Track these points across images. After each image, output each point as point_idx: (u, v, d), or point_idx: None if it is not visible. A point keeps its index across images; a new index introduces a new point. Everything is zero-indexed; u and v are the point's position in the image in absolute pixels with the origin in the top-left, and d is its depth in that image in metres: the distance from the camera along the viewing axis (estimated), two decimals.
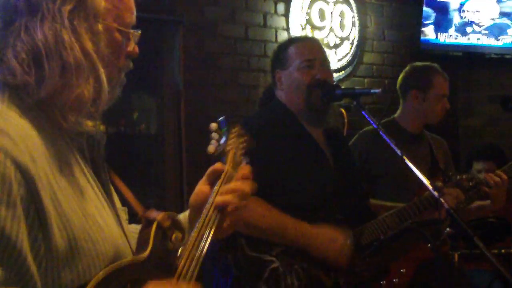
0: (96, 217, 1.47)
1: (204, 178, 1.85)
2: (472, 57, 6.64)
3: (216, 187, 1.77)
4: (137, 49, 1.62)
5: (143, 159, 4.85)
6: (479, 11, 6.53)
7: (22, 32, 1.42)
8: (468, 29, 6.54)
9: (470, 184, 3.55)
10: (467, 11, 6.51)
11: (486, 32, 6.56)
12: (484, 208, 3.80)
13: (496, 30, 6.58)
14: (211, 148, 1.97)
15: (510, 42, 6.60)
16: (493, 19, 6.56)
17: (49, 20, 1.43)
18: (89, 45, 1.46)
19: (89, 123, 1.53)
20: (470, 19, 6.52)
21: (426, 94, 3.91)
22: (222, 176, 1.81)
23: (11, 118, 1.38)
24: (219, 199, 1.73)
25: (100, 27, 1.50)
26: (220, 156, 1.93)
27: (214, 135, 2.01)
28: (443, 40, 6.49)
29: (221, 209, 1.72)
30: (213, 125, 2.02)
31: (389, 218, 3.22)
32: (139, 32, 1.63)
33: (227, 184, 1.79)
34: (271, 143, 3.02)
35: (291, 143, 3.09)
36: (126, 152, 4.68)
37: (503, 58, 6.68)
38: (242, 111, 4.97)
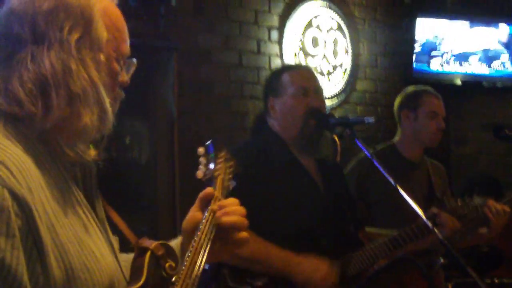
0: (92, 247, 1.47)
1: (196, 203, 1.85)
2: (464, 85, 6.68)
3: (206, 214, 1.77)
4: (128, 79, 1.64)
5: (135, 185, 4.83)
6: (470, 40, 6.57)
7: (28, 61, 1.42)
8: (460, 58, 6.57)
9: (470, 208, 3.53)
10: (458, 40, 6.55)
11: (478, 60, 6.60)
12: (481, 236, 3.79)
13: (488, 59, 6.62)
14: (200, 173, 1.99)
15: (502, 70, 6.64)
16: (484, 48, 6.61)
17: (56, 49, 1.44)
18: (95, 75, 1.47)
19: (92, 152, 1.55)
20: (460, 48, 6.57)
21: (416, 113, 3.93)
22: (212, 202, 1.81)
23: (7, 147, 1.37)
24: (226, 219, 1.76)
25: (102, 56, 1.51)
26: (209, 181, 1.94)
27: (202, 159, 2.02)
28: (435, 68, 6.52)
29: (231, 228, 1.75)
30: (201, 150, 2.03)
31: (378, 247, 3.18)
32: (135, 61, 1.65)
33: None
34: (260, 171, 3.02)
35: (280, 171, 3.08)
36: (118, 179, 4.66)
37: (495, 87, 6.71)
38: (235, 138, 4.97)
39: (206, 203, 1.83)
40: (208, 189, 1.85)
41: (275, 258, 2.91)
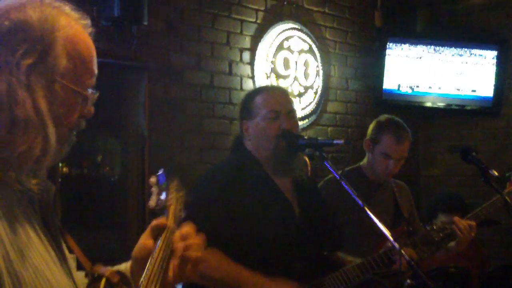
0: (47, 274, 1.44)
1: (147, 231, 1.80)
2: (433, 107, 6.75)
3: (159, 243, 1.73)
4: (92, 110, 1.58)
5: (106, 202, 4.82)
6: (440, 63, 6.65)
7: None
8: (429, 80, 6.65)
9: (441, 235, 3.58)
10: (428, 63, 6.63)
11: (447, 83, 6.68)
12: (449, 250, 3.86)
13: (457, 82, 6.70)
14: (152, 202, 1.96)
15: (471, 93, 6.73)
16: (453, 71, 6.69)
17: (4, 73, 1.39)
18: (42, 103, 1.42)
19: (33, 181, 1.49)
20: (430, 71, 6.64)
21: (374, 147, 4.01)
22: (165, 231, 1.78)
23: None
24: (181, 245, 1.71)
25: (56, 85, 1.46)
26: (161, 210, 1.92)
27: (154, 189, 1.99)
28: (405, 91, 6.59)
29: (183, 259, 1.70)
30: (152, 180, 2.00)
31: (350, 270, 3.20)
32: (96, 94, 1.58)
33: (169, 240, 1.74)
34: (234, 191, 3.04)
35: (254, 191, 3.10)
36: (90, 196, 4.65)
37: (463, 109, 6.80)
38: (206, 158, 4.98)
39: (158, 232, 1.77)
40: (161, 220, 1.81)
41: (246, 283, 2.91)
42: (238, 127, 3.37)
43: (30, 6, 1.46)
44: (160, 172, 2.01)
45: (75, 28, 1.52)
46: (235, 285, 2.91)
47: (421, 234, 3.57)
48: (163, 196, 1.95)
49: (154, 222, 1.79)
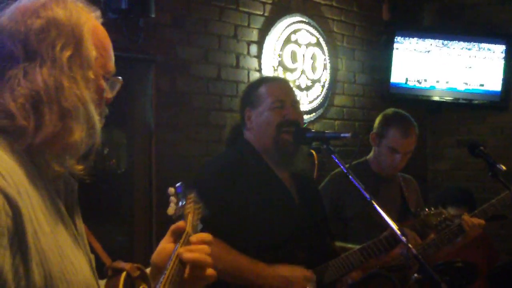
0: (71, 258, 1.49)
1: (167, 236, 1.87)
2: (440, 101, 6.74)
3: (177, 247, 1.79)
4: (113, 96, 1.68)
5: (112, 195, 4.82)
6: (447, 57, 6.63)
7: (20, 78, 1.45)
8: (437, 74, 6.63)
9: (438, 219, 3.58)
10: (436, 57, 6.61)
11: (455, 77, 6.66)
12: (454, 243, 3.87)
13: (465, 76, 6.68)
14: (171, 210, 2.02)
15: (478, 87, 6.71)
16: (461, 65, 6.67)
17: (48, 66, 1.48)
18: (85, 92, 1.52)
19: (79, 167, 1.58)
20: (437, 65, 6.62)
21: (380, 141, 3.99)
22: (183, 236, 1.82)
23: None
24: (188, 255, 1.77)
25: (91, 74, 1.55)
26: (179, 218, 1.97)
27: (173, 198, 2.04)
28: (413, 84, 6.58)
29: (188, 264, 1.75)
30: (171, 190, 2.07)
31: (353, 255, 3.22)
32: (121, 79, 1.69)
33: (187, 244, 1.81)
34: (234, 182, 3.04)
35: (256, 182, 3.10)
36: (95, 188, 4.65)
37: (471, 103, 6.78)
38: (213, 150, 4.97)
39: (177, 236, 1.85)
40: (180, 223, 1.87)
41: (248, 272, 2.93)
42: (238, 118, 3.36)
43: (54, 3, 1.55)
44: (179, 184, 2.05)
45: (93, 20, 1.63)
46: (236, 273, 2.92)
47: (419, 219, 3.56)
48: (181, 204, 2.00)
49: (174, 226, 1.88)
